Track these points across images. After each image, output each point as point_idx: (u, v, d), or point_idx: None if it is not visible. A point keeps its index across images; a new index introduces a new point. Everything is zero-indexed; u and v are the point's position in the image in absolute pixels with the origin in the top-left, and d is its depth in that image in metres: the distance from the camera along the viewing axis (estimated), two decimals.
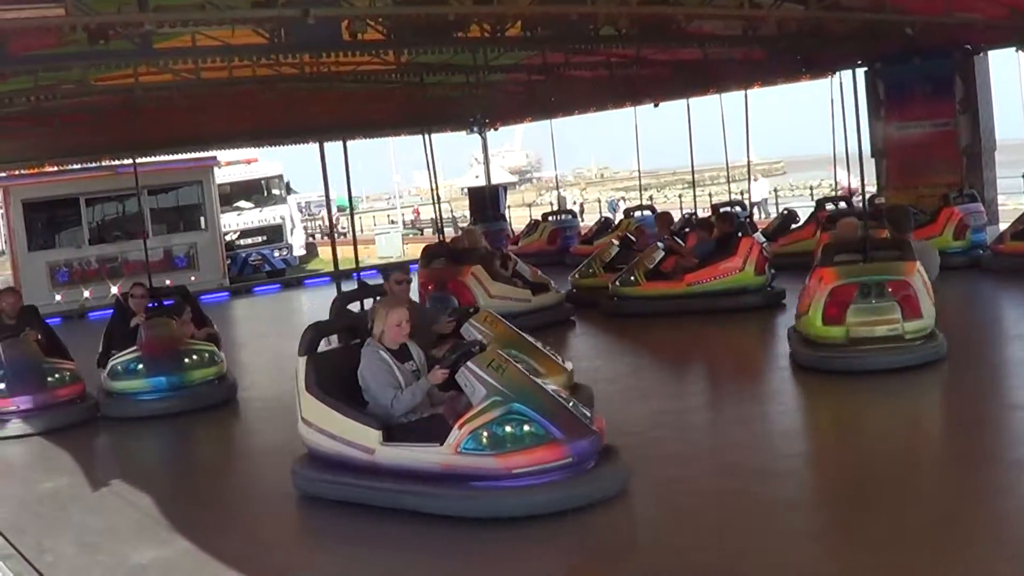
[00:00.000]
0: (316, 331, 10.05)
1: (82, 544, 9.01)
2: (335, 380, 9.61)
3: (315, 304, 25.67)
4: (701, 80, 25.72)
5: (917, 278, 12.82)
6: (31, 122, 23.07)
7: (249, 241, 35.42)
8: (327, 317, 11.62)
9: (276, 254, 35.46)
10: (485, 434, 8.58)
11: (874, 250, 13.27)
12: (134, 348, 14.58)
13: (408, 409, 9.17)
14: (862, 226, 13.94)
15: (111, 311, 16.28)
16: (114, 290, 22.96)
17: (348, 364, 9.59)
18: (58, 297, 28.22)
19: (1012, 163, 30.38)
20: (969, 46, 23.26)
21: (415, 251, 35.59)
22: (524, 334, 12.13)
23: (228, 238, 33.91)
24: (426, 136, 20.13)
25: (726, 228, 19.21)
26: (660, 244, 19.80)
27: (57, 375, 14.20)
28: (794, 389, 12.96)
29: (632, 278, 19.24)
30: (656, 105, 29.48)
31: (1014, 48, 22.19)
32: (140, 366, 14.41)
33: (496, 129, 38.25)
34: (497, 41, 18.13)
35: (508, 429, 8.60)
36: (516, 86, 28.71)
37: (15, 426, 13.65)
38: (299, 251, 38.61)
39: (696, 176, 27.87)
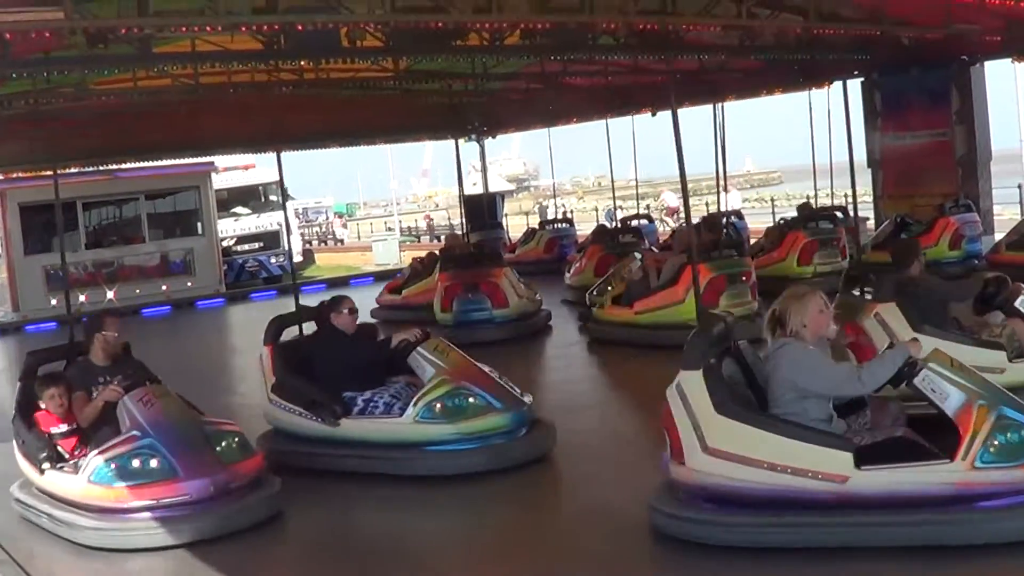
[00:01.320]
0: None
1: (75, 553, 8.98)
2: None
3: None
4: (699, 90, 25.74)
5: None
6: (29, 125, 23.08)
7: (246, 247, 35.38)
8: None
9: (273, 260, 35.43)
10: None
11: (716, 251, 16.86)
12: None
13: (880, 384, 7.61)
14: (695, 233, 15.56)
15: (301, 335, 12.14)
16: (110, 294, 22.64)
17: None
18: (54, 301, 28.19)
19: (1008, 173, 30.43)
20: (965, 57, 23.32)
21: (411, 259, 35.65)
22: (478, 363, 11.02)
23: (225, 244, 33.88)
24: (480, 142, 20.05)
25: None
26: (637, 255, 19.23)
27: (225, 442, 9.51)
28: None
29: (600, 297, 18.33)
30: (654, 114, 29.49)
31: (1010, 59, 22.25)
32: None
33: (494, 137, 38.25)
34: (495, 50, 18.19)
35: None
36: (514, 94, 28.75)
37: (187, 526, 8.89)
38: (296, 257, 38.58)
39: (693, 185, 27.87)
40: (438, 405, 10.19)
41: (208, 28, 14.02)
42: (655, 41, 18.07)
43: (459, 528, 9.36)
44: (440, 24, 14.95)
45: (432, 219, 67.93)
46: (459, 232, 22.58)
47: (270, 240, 35.90)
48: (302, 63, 19.62)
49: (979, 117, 23.98)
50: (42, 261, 28.80)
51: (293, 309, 11.91)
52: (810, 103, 25.85)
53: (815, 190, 26.38)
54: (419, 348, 10.75)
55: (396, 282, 23.20)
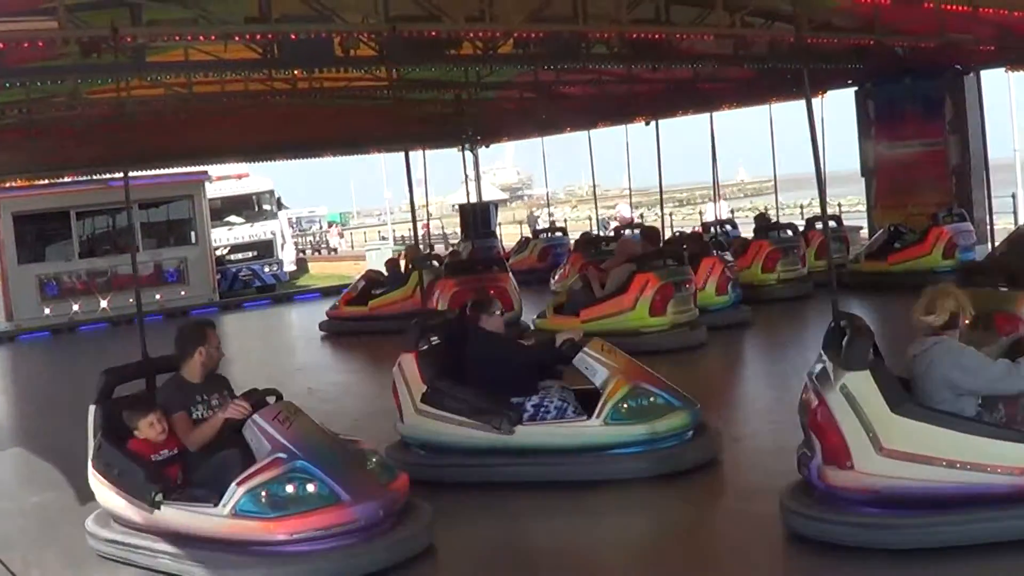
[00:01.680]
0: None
1: (68, 558, 8.98)
2: None
3: (304, 320, 25.77)
4: (693, 99, 25.76)
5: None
6: (22, 134, 23.07)
7: (239, 256, 35.34)
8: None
9: (266, 269, 35.38)
10: None
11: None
12: None
13: None
14: (638, 243, 17.98)
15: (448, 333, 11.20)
16: (103, 304, 22.52)
17: None
18: (47, 311, 28.15)
19: (1001, 182, 30.45)
20: (959, 66, 23.35)
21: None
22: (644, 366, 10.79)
23: (218, 253, 33.85)
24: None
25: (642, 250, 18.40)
26: (581, 275, 19.08)
27: (372, 461, 8.69)
28: None
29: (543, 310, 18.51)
30: (647, 123, 29.55)
31: (1003, 68, 22.27)
32: None
33: (487, 146, 38.26)
34: (489, 59, 18.20)
35: None
36: (508, 103, 28.77)
37: (360, 556, 8.08)
38: (289, 267, 38.53)
39: (687, 194, 27.83)
40: (624, 406, 9.84)
41: (201, 37, 14.02)
42: (648, 50, 18.10)
43: (635, 536, 9.00)
44: (434, 33, 14.96)
45: (429, 227, 67.86)
46: (414, 244, 22.44)
47: (263, 249, 35.86)
48: (296, 72, 19.63)
49: (973, 126, 24.00)
50: (36, 270, 28.75)
51: (288, 318, 11.48)
52: (820, 111, 25.92)
53: (823, 198, 26.39)
54: (585, 349, 10.27)
55: (350, 294, 23.05)
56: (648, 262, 17.29)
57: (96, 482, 9.01)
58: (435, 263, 22.09)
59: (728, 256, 19.85)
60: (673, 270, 17.22)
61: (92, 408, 9.18)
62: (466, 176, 21.98)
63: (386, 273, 23.08)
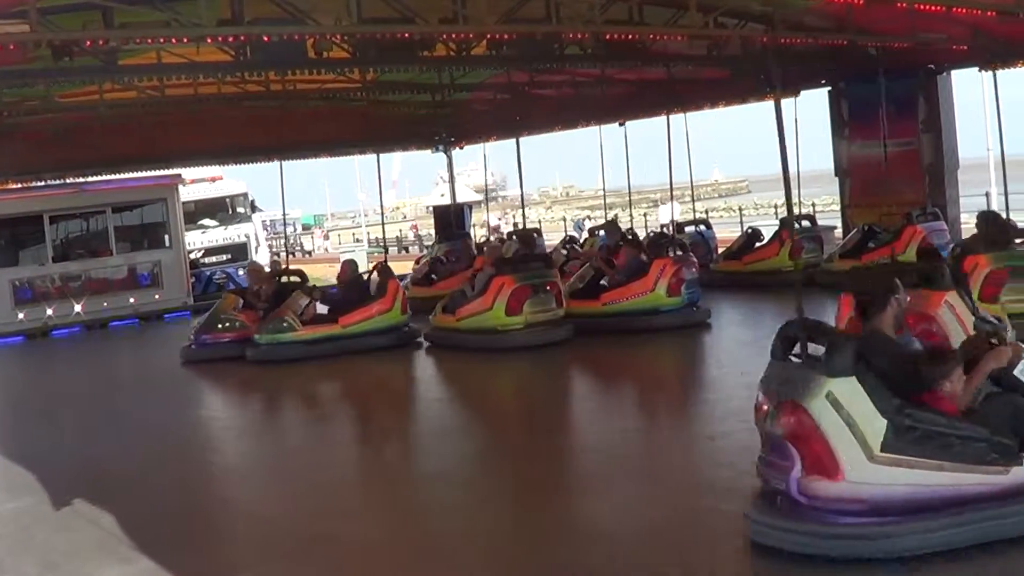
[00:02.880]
0: None
1: (44, 563, 8.94)
2: None
3: None
4: (666, 99, 25.78)
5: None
6: None
7: (213, 259, 35.21)
8: None
9: (240, 272, 35.24)
10: None
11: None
12: None
13: None
14: (505, 248, 20.27)
15: None
16: (77, 308, 22.36)
17: None
18: (20, 315, 27.99)
19: (975, 182, 30.60)
20: (932, 66, 23.41)
21: None
22: None
23: (192, 256, 33.73)
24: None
25: (634, 252, 19.59)
26: (591, 263, 20.26)
27: None
28: None
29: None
30: (621, 124, 29.59)
31: (976, 68, 22.34)
32: None
33: (461, 148, 38.23)
34: (462, 60, 18.22)
35: None
36: (481, 105, 28.77)
37: None
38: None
39: (661, 195, 27.92)
40: None
41: (173, 40, 13.98)
42: (622, 51, 18.12)
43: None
44: (407, 35, 14.96)
45: (418, 228, 67.78)
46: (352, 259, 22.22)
47: (237, 252, 35.75)
48: (269, 75, 19.59)
49: (946, 126, 24.07)
50: (9, 275, 28.55)
51: None
52: (793, 111, 26.04)
53: (799, 198, 26.48)
54: None
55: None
56: (507, 266, 19.12)
57: None
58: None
59: (692, 257, 19.87)
60: (533, 274, 18.76)
61: None
62: (449, 177, 21.96)
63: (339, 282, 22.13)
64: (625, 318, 18.79)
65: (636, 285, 18.91)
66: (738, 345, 17.44)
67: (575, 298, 19.34)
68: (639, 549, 8.24)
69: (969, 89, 28.56)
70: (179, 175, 32.37)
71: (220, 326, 20.56)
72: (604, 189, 34.82)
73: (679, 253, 19.54)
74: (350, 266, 20.77)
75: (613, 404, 14.59)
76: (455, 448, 12.55)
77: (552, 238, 34.64)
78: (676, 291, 18.82)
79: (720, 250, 26.53)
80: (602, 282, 19.66)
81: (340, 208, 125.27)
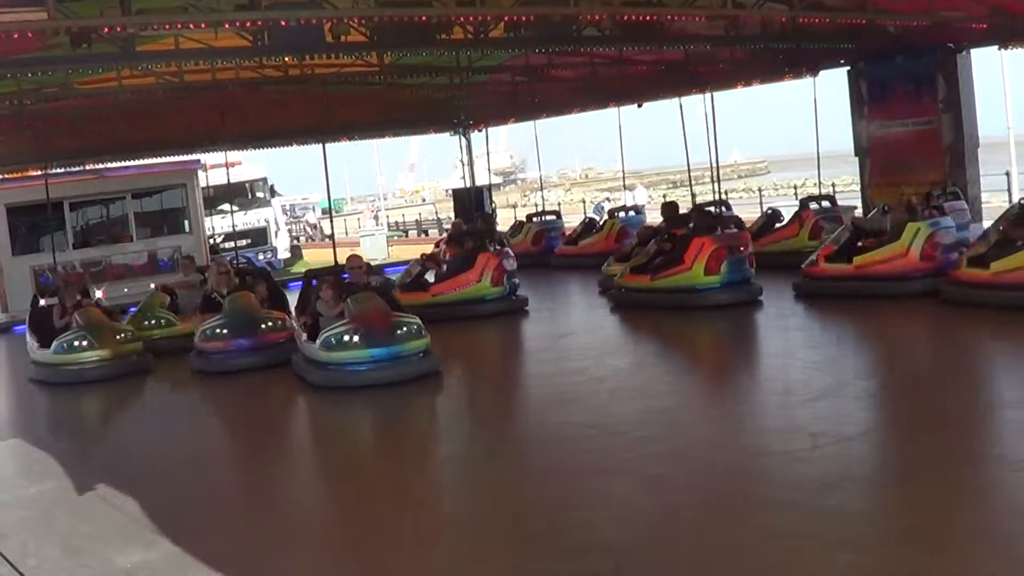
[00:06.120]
0: None
1: (66, 548, 8.98)
2: None
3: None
4: (685, 80, 25.72)
5: None
6: (14, 125, 23.04)
7: (233, 244, 35.31)
8: None
9: (261, 257, 35.33)
10: None
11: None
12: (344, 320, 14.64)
13: None
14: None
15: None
16: (98, 294, 22.45)
17: None
18: (42, 301, 28.08)
19: (995, 161, 30.45)
20: (951, 45, 23.31)
21: (400, 253, 35.67)
22: None
23: (212, 241, 33.82)
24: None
25: (469, 245, 21.15)
26: (418, 259, 21.86)
27: None
28: None
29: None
30: (639, 105, 29.54)
31: (996, 46, 22.25)
32: (356, 338, 14.36)
33: (480, 130, 38.23)
34: (480, 43, 18.18)
35: None
36: (500, 87, 28.75)
37: None
38: (284, 254, 38.49)
39: (680, 175, 27.81)
40: None
41: (191, 25, 14.00)
42: (640, 32, 18.08)
43: None
44: (424, 18, 14.95)
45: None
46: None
47: (257, 237, 35.88)
48: (286, 59, 19.59)
49: (966, 105, 23.95)
50: (30, 261, 28.69)
51: None
52: (812, 91, 25.93)
53: (820, 178, 26.44)
54: None
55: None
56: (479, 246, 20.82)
57: None
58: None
59: (737, 232, 19.86)
60: (501, 250, 20.80)
61: None
62: (468, 160, 22.00)
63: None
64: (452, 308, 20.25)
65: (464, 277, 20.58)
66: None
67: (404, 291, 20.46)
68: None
69: (988, 68, 28.42)
70: (199, 160, 32.47)
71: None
72: (623, 171, 34.76)
73: (733, 229, 19.62)
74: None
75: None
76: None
77: (571, 220, 34.53)
78: (715, 269, 18.87)
79: None
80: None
81: (359, 192, 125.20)
